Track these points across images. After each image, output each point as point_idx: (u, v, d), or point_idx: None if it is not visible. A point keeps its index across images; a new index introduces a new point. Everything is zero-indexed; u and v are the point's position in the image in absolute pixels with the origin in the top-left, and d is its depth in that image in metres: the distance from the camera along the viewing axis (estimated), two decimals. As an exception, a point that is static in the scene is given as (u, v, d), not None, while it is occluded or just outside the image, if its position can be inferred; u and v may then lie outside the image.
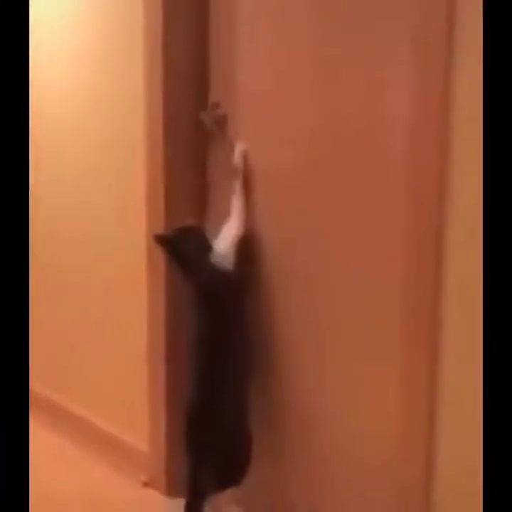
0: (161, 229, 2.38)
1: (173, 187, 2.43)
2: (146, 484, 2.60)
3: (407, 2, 1.86)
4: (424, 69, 1.81)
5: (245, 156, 2.25)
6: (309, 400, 2.23)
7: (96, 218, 2.75)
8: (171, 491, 2.53)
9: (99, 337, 2.81)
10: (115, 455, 2.71)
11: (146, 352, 2.56)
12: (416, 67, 1.83)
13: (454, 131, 1.77)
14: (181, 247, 2.20)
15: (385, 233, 1.99)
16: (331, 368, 2.16)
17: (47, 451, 2.72)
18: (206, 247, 2.19)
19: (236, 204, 2.25)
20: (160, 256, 2.35)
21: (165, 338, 2.47)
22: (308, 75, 2.13)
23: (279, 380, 2.29)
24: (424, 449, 1.88)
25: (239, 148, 2.25)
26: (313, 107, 2.13)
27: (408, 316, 1.91)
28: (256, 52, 2.26)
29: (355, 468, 2.12)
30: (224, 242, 2.20)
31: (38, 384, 2.94)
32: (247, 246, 2.25)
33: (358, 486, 2.12)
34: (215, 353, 2.18)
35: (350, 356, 2.11)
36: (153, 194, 2.46)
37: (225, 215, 2.26)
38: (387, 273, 1.99)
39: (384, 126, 1.96)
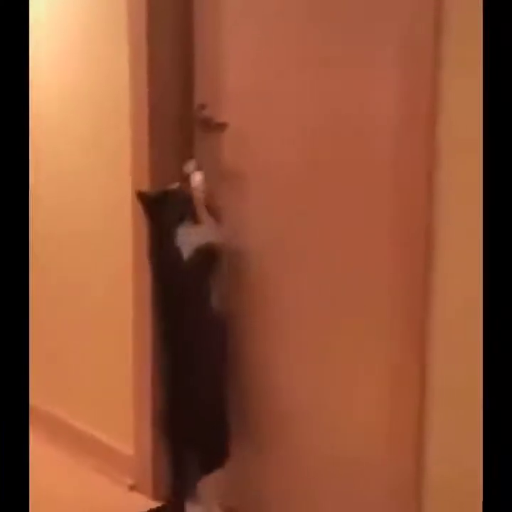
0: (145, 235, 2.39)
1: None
2: (132, 488, 2.59)
3: (396, 3, 1.87)
4: (411, 69, 1.82)
5: (203, 184, 2.25)
6: (290, 393, 2.23)
7: (83, 218, 2.74)
8: (156, 495, 2.52)
9: (83, 342, 2.80)
10: (101, 459, 2.70)
11: (132, 355, 2.55)
12: (404, 68, 1.84)
13: (441, 131, 1.78)
14: (160, 211, 2.22)
15: (373, 231, 2.00)
16: (316, 362, 2.17)
17: (31, 455, 2.69)
18: (181, 217, 2.20)
19: (205, 218, 2.26)
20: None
21: (150, 343, 2.46)
22: (294, 75, 2.14)
23: (259, 373, 2.30)
24: (412, 444, 1.88)
25: (197, 177, 2.25)
26: (299, 106, 2.14)
27: (396, 312, 1.92)
28: (241, 53, 2.26)
29: (341, 464, 2.13)
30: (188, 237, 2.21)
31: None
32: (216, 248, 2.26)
33: (346, 482, 2.13)
34: (183, 340, 2.22)
35: (336, 350, 2.12)
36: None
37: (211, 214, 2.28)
38: (375, 269, 2.00)
39: (372, 126, 1.98)
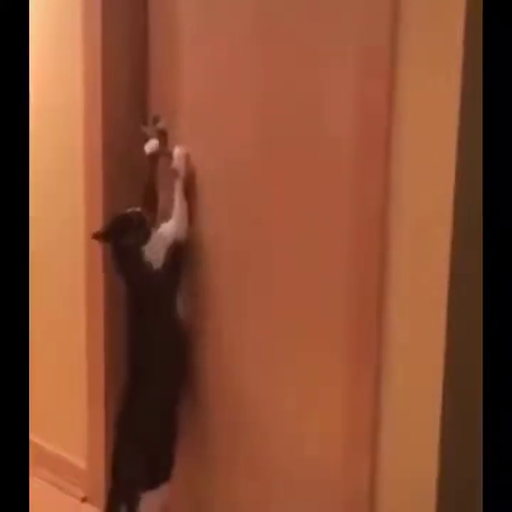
0: (98, 255, 2.38)
1: (113, 203, 2.40)
2: (84, 500, 2.58)
3: (352, 3, 1.88)
4: (368, 70, 1.82)
5: (186, 159, 2.25)
6: (242, 402, 2.24)
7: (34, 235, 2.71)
8: (109, 507, 2.51)
9: (35, 354, 2.76)
10: (53, 471, 2.68)
11: (86, 367, 2.54)
12: (360, 68, 1.84)
13: (398, 129, 1.78)
14: (120, 240, 2.20)
15: (329, 231, 2.01)
16: (272, 370, 2.17)
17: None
18: (144, 239, 2.19)
19: (178, 207, 2.26)
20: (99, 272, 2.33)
21: (104, 356, 2.45)
22: (250, 78, 2.14)
23: (212, 382, 2.30)
24: (368, 452, 1.89)
25: (178, 151, 2.25)
26: (256, 109, 2.14)
27: (352, 319, 1.92)
28: (196, 60, 2.26)
29: (295, 474, 2.14)
30: (159, 242, 2.20)
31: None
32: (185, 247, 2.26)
33: (300, 492, 2.14)
34: (141, 348, 2.23)
35: (293, 360, 2.12)
36: (91, 210, 2.44)
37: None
38: (331, 268, 2.01)
39: (331, 128, 1.98)
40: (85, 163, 2.43)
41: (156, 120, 2.34)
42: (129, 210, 2.22)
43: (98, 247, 2.36)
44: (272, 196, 2.13)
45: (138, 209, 2.23)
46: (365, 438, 1.89)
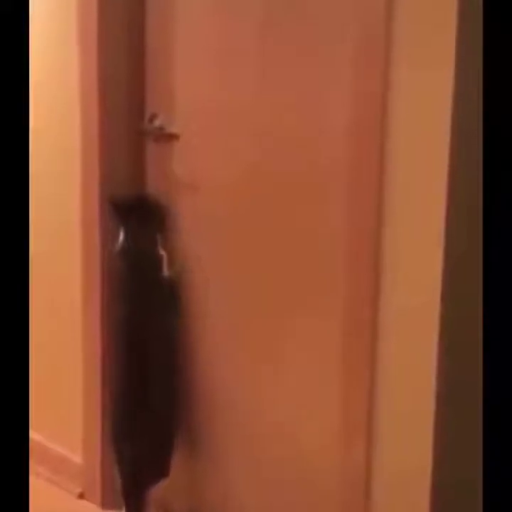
0: (96, 251, 2.40)
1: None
2: (81, 495, 2.58)
3: (347, 5, 1.89)
4: (363, 71, 1.84)
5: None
6: (236, 398, 2.26)
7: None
8: (105, 502, 2.52)
9: (32, 350, 2.76)
10: (49, 466, 2.68)
11: (82, 363, 2.54)
12: (355, 68, 1.86)
13: (393, 131, 1.80)
14: (131, 219, 2.24)
15: (322, 237, 2.03)
16: (262, 360, 2.19)
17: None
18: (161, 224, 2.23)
19: None
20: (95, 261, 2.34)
21: (100, 353, 2.46)
22: (246, 76, 2.15)
23: (206, 377, 2.33)
24: (363, 444, 1.91)
25: None
26: (252, 107, 2.15)
27: (347, 311, 1.94)
28: (193, 58, 2.27)
29: (291, 467, 2.15)
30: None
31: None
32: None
33: (296, 486, 2.15)
34: (134, 340, 2.26)
35: (286, 349, 2.14)
36: (88, 208, 2.45)
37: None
38: (326, 276, 2.03)
39: (326, 136, 2.00)
40: (82, 162, 2.45)
41: (153, 118, 2.36)
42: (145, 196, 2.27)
43: (95, 248, 2.39)
44: (266, 195, 2.15)
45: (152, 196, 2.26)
46: (361, 431, 1.91)
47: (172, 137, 2.32)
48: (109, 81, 2.37)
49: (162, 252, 2.25)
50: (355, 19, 1.85)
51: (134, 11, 2.36)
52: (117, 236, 2.28)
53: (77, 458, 2.61)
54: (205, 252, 2.29)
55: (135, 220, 2.24)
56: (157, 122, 2.34)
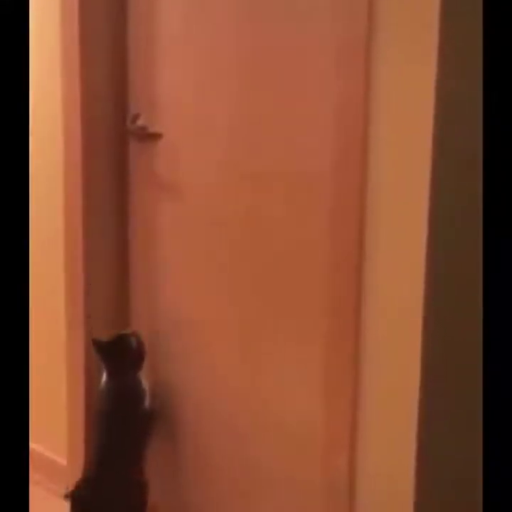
0: (78, 252, 2.41)
1: (93, 202, 2.41)
2: (67, 497, 2.57)
3: (330, 9, 1.89)
4: (344, 68, 1.83)
5: None
6: (217, 393, 2.25)
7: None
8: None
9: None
10: (34, 468, 2.66)
11: (66, 365, 2.55)
12: (337, 66, 1.86)
13: (373, 133, 1.80)
14: (114, 356, 2.29)
15: (307, 236, 2.02)
16: (246, 359, 2.19)
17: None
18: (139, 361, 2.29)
19: None
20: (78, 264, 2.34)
21: (84, 355, 2.46)
22: (228, 75, 2.15)
23: (184, 374, 2.31)
24: (347, 445, 1.91)
25: None
26: (236, 111, 2.15)
27: (329, 314, 1.94)
28: (174, 58, 2.27)
29: (273, 468, 2.15)
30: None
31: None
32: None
33: (278, 489, 2.15)
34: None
35: (269, 348, 2.14)
36: (71, 210, 2.44)
37: (148, 227, 2.26)
38: (309, 279, 2.02)
39: (307, 129, 1.99)
40: (65, 163, 2.43)
41: (135, 118, 2.35)
42: (126, 331, 2.32)
43: (79, 258, 2.41)
44: (252, 192, 2.15)
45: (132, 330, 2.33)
46: (345, 434, 1.90)
47: (155, 137, 2.32)
48: (91, 81, 2.37)
49: (145, 387, 2.30)
50: (337, 19, 1.85)
51: (116, 11, 2.36)
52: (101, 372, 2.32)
53: (62, 460, 2.62)
54: (185, 261, 2.29)
55: (117, 359, 2.29)
56: (140, 122, 2.34)
